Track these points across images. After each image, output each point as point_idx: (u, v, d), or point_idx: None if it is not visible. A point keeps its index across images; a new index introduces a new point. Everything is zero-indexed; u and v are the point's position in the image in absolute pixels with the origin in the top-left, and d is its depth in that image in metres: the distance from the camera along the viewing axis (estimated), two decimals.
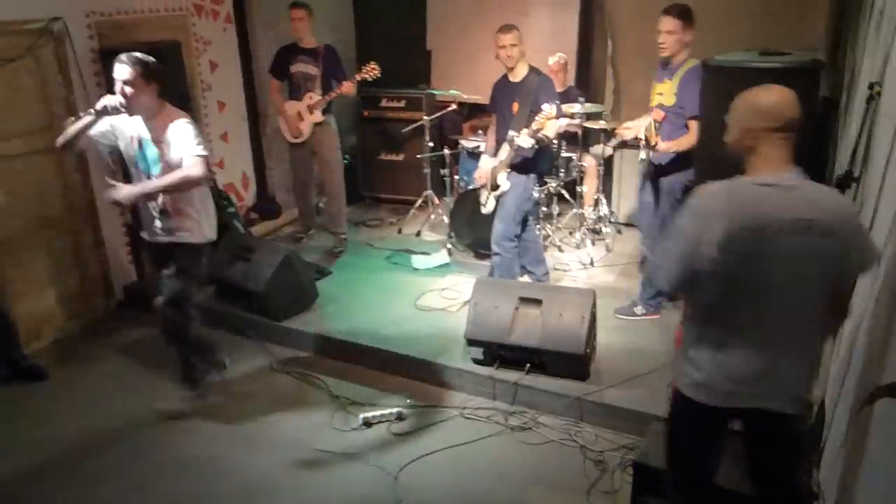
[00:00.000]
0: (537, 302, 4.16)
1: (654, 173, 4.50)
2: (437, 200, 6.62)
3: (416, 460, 3.65)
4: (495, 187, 4.74)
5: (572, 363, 4.00)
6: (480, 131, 6.29)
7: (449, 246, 5.96)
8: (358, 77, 5.77)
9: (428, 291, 5.28)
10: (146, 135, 3.63)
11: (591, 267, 5.61)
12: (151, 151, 3.63)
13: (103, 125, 3.63)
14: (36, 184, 4.83)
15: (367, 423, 3.96)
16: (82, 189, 5.15)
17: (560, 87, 5.82)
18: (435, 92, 6.93)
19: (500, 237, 4.75)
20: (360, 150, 7.46)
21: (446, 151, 6.26)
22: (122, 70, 3.45)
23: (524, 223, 4.86)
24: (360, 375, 4.46)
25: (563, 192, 6.12)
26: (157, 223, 3.77)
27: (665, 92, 4.33)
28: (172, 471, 3.67)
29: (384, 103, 7.18)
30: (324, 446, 3.79)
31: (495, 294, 4.27)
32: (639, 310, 4.77)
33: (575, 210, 6.10)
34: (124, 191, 3.64)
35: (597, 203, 6.15)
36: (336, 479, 3.57)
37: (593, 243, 5.92)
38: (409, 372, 4.40)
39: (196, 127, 3.65)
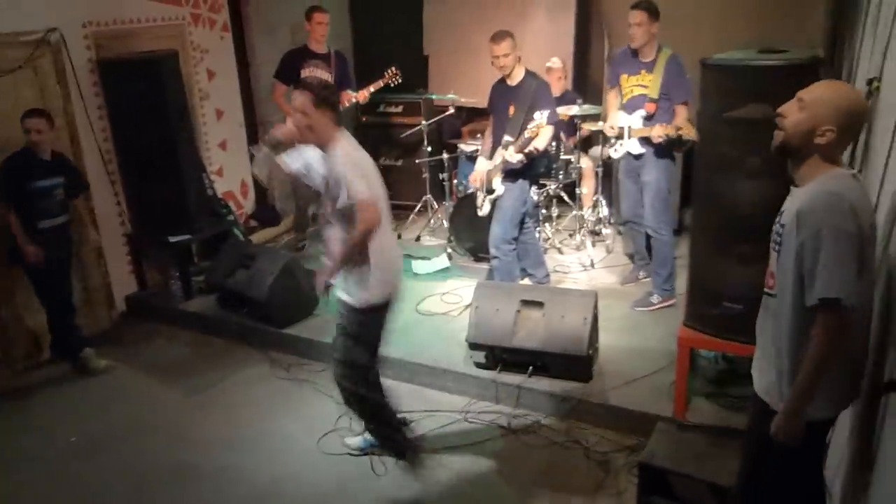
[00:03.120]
0: (539, 304, 4.15)
1: (636, 163, 4.79)
2: (436, 205, 6.62)
3: (423, 464, 3.63)
4: (490, 191, 4.74)
5: (575, 365, 3.99)
6: (479, 135, 6.28)
7: (449, 250, 5.95)
8: (381, 82, 5.83)
9: (429, 296, 5.27)
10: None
11: (591, 268, 5.60)
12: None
13: (297, 159, 3.24)
14: None
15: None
16: (83, 199, 5.13)
17: (557, 92, 5.82)
18: (433, 96, 6.93)
19: (498, 240, 4.74)
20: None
21: (445, 156, 6.26)
22: (296, 97, 3.07)
23: (522, 226, 4.86)
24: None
25: (563, 194, 6.11)
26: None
27: (649, 84, 4.58)
28: (178, 479, 3.66)
29: (382, 108, 7.18)
30: (329, 451, 3.79)
31: (497, 297, 4.26)
32: (655, 298, 4.81)
33: (574, 212, 6.09)
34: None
35: (596, 204, 6.15)
36: (341, 483, 3.56)
37: (593, 245, 5.91)
38: (411, 377, 4.39)
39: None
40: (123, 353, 5.02)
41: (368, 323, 3.28)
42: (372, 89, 5.83)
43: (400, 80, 5.80)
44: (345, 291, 3.26)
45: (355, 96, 5.78)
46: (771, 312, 2.25)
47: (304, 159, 3.23)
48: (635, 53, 4.61)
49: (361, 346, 3.31)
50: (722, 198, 3.19)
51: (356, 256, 3.12)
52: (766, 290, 2.30)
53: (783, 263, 2.14)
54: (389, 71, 5.79)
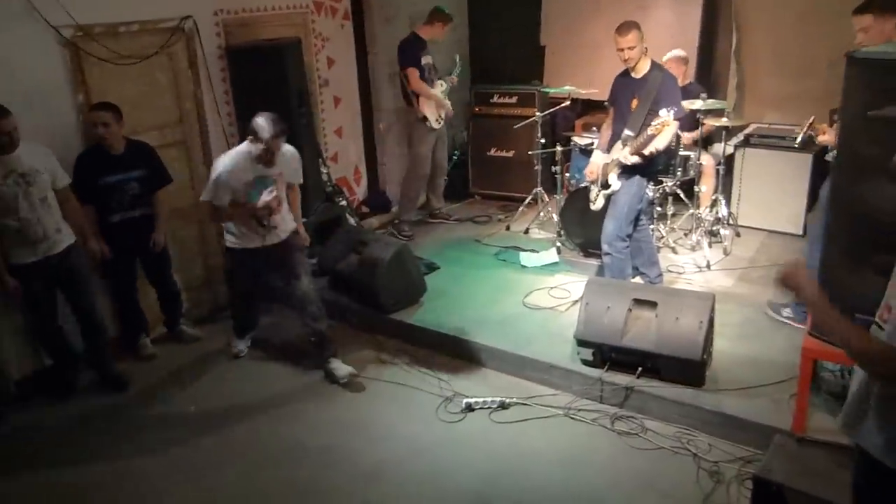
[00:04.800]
0: (652, 304, 4.02)
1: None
2: (547, 198, 6.54)
3: (520, 455, 3.64)
4: (606, 185, 4.62)
5: (688, 369, 3.85)
6: (594, 128, 6.16)
7: (558, 244, 5.87)
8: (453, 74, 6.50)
9: (536, 289, 5.21)
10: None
11: (707, 270, 5.39)
12: None
13: None
14: None
15: (470, 408, 4.02)
16: (208, 181, 5.38)
17: (679, 83, 5.61)
18: (548, 89, 6.84)
19: (612, 237, 4.62)
20: (469, 146, 7.47)
21: (558, 148, 6.16)
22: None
23: (636, 223, 4.72)
24: (465, 370, 4.47)
25: (679, 191, 5.89)
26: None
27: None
28: (286, 456, 3.78)
29: (496, 99, 7.16)
30: (431, 435, 3.84)
31: (608, 294, 4.16)
32: (787, 312, 4.51)
33: (691, 211, 5.87)
34: None
35: (714, 204, 5.89)
36: (443, 468, 3.60)
37: (710, 246, 5.67)
38: (515, 370, 4.37)
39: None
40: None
41: None
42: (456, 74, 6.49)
43: (459, 70, 6.48)
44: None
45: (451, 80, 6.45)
46: None
47: None
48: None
49: None
50: (861, 203, 2.97)
51: None
52: (876, 320, 2.06)
53: None
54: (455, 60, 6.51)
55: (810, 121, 4.47)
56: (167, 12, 4.90)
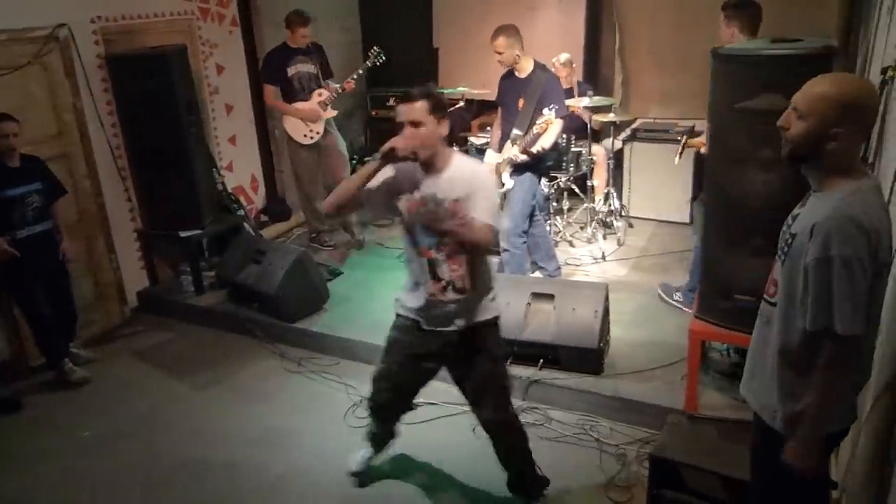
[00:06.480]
0: (550, 297, 4.13)
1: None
2: None
3: (429, 454, 3.67)
4: (500, 185, 4.72)
5: (586, 358, 3.97)
6: (489, 128, 6.25)
7: None
8: (369, 63, 5.79)
9: None
10: (434, 192, 2.78)
11: (603, 261, 5.58)
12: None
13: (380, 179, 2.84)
14: None
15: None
16: (93, 195, 5.16)
17: (567, 85, 5.78)
18: (442, 90, 6.89)
19: (508, 233, 4.72)
20: (369, 149, 7.45)
21: (455, 149, 6.21)
22: (407, 107, 2.70)
23: (532, 218, 4.84)
24: (369, 373, 4.44)
25: (573, 186, 6.08)
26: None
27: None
28: (189, 473, 3.67)
29: (392, 102, 7.15)
30: (339, 441, 3.80)
31: (507, 290, 4.22)
32: (677, 296, 4.70)
33: (585, 204, 6.06)
34: None
35: (607, 197, 6.11)
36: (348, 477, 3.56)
37: (605, 237, 5.88)
38: None
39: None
40: (135, 348, 5.05)
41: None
42: (355, 76, 5.79)
43: (383, 59, 5.74)
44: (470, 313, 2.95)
45: (341, 86, 5.78)
46: (768, 321, 2.16)
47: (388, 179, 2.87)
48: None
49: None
50: (734, 190, 3.15)
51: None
52: (765, 297, 2.19)
53: (788, 273, 2.04)
54: (371, 51, 5.76)
55: (683, 141, 4.80)
56: (39, 20, 4.67)
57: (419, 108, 2.67)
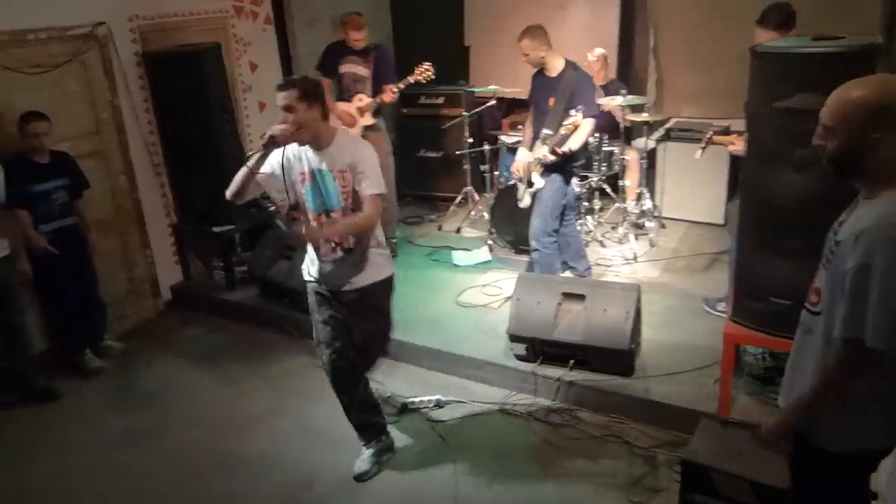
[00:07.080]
0: (580, 297, 4.10)
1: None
2: (477, 197, 6.59)
3: (457, 451, 3.66)
4: (530, 184, 4.69)
5: (617, 359, 3.93)
6: (520, 126, 6.23)
7: (490, 242, 5.92)
8: (411, 79, 5.58)
9: (469, 288, 5.25)
10: (322, 166, 3.16)
11: (634, 262, 5.52)
12: (332, 185, 3.18)
13: (268, 165, 3.17)
14: None
15: (406, 408, 4.03)
16: (129, 191, 5.25)
17: (600, 82, 5.74)
18: (474, 89, 6.89)
19: (538, 233, 4.70)
20: (399, 147, 7.45)
21: (486, 147, 6.22)
22: (280, 95, 2.99)
23: (562, 218, 4.80)
24: (401, 371, 4.47)
25: (605, 186, 6.03)
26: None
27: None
28: (219, 467, 3.71)
29: (423, 100, 7.18)
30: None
31: (538, 290, 4.22)
32: (721, 307, 4.54)
33: (617, 204, 6.00)
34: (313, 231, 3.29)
35: (639, 197, 6.05)
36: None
37: (636, 238, 5.82)
38: (450, 368, 4.39)
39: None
40: (168, 341, 5.13)
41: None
42: (402, 85, 5.61)
43: (433, 76, 5.59)
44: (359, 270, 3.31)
45: (381, 98, 5.58)
46: (809, 330, 2.09)
47: (270, 164, 3.18)
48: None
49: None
50: (769, 191, 3.09)
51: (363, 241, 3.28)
52: (807, 305, 2.12)
53: (831, 282, 1.96)
54: (421, 67, 5.56)
55: (708, 136, 4.63)
56: (79, 19, 4.75)
57: (289, 95, 2.97)
